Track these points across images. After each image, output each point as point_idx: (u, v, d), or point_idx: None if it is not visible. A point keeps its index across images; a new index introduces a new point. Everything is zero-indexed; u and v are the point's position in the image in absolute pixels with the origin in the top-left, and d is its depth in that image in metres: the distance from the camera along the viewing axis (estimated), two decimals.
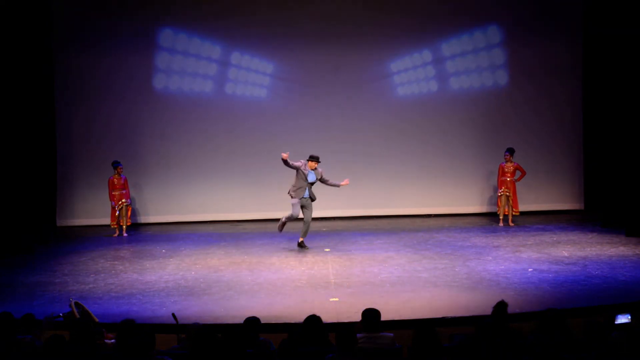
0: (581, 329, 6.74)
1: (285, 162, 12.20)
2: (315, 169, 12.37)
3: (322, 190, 16.05)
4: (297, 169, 12.33)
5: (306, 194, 12.36)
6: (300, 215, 12.59)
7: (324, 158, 15.59)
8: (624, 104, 15.27)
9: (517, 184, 14.84)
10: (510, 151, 14.76)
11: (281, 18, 15.85)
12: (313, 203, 12.53)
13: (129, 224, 14.75)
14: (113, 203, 14.53)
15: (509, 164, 14.76)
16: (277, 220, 15.77)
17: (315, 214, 15.60)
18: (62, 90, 15.63)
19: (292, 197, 12.43)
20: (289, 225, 15.32)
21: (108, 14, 15.62)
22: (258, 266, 11.38)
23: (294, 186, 12.42)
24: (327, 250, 12.52)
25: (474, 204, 16.29)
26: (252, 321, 6.52)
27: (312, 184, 12.39)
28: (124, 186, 14.66)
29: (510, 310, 6.90)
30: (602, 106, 15.77)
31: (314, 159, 12.34)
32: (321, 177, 12.46)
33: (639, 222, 13.16)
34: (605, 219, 14.52)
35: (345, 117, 16.06)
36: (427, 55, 16.19)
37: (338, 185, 12.68)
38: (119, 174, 14.55)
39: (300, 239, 12.62)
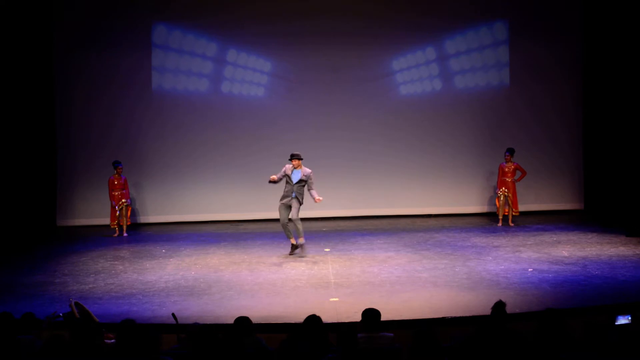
0: (581, 329, 6.75)
1: (274, 181, 11.79)
2: (300, 167, 11.84)
3: (322, 191, 16.10)
4: (284, 175, 11.89)
5: (293, 194, 11.86)
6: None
7: (324, 157, 15.66)
8: (624, 104, 15.29)
9: (517, 184, 14.84)
10: (511, 151, 14.75)
11: (279, 14, 15.76)
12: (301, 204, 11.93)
13: (129, 223, 14.75)
14: (113, 203, 14.53)
15: (509, 164, 14.75)
16: (277, 220, 15.84)
17: (316, 214, 15.70)
18: (62, 90, 15.63)
19: (280, 202, 11.93)
20: (291, 225, 15.37)
21: (107, 13, 15.63)
22: (258, 266, 11.38)
23: (283, 194, 11.97)
24: (327, 250, 12.51)
25: (474, 204, 16.29)
26: (243, 321, 6.52)
27: (297, 183, 11.84)
28: (124, 186, 14.66)
29: (510, 310, 6.90)
30: (602, 106, 15.77)
31: (294, 156, 11.86)
32: (308, 178, 11.83)
33: (639, 222, 13.16)
34: (605, 219, 14.53)
35: (345, 116, 16.04)
36: (429, 53, 16.17)
37: (314, 199, 11.86)
38: (119, 174, 14.55)
39: (292, 242, 12.02)
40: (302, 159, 11.93)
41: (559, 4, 16.22)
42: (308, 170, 11.93)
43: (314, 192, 11.91)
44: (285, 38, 15.85)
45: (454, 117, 16.23)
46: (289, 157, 11.97)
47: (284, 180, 12.01)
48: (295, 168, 11.91)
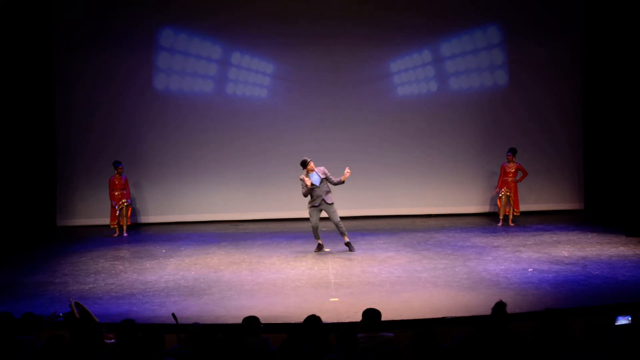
0: (581, 329, 6.74)
1: (306, 192, 12.08)
2: (313, 170, 12.07)
3: None
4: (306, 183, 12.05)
5: (322, 196, 12.08)
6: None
7: (324, 158, 15.66)
8: (624, 104, 15.29)
9: (518, 184, 14.82)
10: (513, 151, 14.73)
11: (281, 18, 15.86)
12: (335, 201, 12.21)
13: (129, 223, 14.76)
14: (114, 203, 14.53)
15: (511, 164, 14.73)
16: (277, 220, 15.92)
17: None
18: (62, 90, 15.63)
19: (308, 207, 12.22)
20: (291, 225, 15.40)
21: (107, 13, 15.64)
22: (258, 266, 11.38)
23: (310, 198, 12.19)
24: (327, 250, 12.51)
25: (474, 204, 16.29)
26: (251, 320, 6.52)
27: (321, 184, 12.04)
28: (125, 186, 14.66)
29: (510, 310, 6.89)
30: (602, 106, 15.77)
31: (306, 162, 12.06)
32: (325, 176, 12.14)
33: (639, 222, 13.16)
34: (605, 219, 14.52)
35: (345, 117, 16.06)
36: (427, 55, 16.20)
37: (342, 181, 12.22)
38: (120, 174, 14.56)
39: (345, 240, 12.30)
40: (310, 160, 12.13)
41: (558, 4, 16.21)
42: (321, 168, 12.19)
43: (338, 179, 12.18)
44: (286, 41, 15.88)
45: (454, 118, 16.23)
46: (302, 166, 12.12)
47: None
48: (310, 172, 12.06)
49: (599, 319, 7.39)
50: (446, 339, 6.54)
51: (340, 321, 8.07)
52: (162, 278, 10.67)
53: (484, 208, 16.21)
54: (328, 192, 12.22)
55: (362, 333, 6.44)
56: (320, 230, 14.47)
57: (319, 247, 12.37)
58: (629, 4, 14.93)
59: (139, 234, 14.89)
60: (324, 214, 12.33)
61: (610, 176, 15.52)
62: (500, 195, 14.82)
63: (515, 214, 14.79)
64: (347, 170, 12.18)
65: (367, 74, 16.10)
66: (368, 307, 6.74)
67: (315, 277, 10.52)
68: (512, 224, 14.67)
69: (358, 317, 6.80)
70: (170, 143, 15.96)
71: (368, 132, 16.08)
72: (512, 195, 14.71)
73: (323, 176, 12.15)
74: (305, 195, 12.20)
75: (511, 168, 14.74)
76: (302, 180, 12.09)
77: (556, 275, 10.23)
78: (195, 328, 6.39)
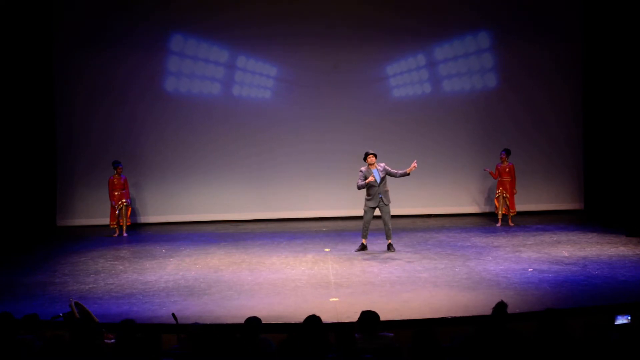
0: (581, 329, 6.74)
1: (362, 186, 11.90)
2: (374, 164, 11.91)
3: (321, 190, 16.07)
4: (365, 177, 11.90)
5: (380, 196, 11.92)
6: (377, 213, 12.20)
7: (325, 158, 15.72)
8: (624, 104, 15.29)
9: (516, 183, 14.81)
10: (507, 152, 14.73)
11: (283, 24, 15.94)
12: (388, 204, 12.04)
13: (128, 224, 14.75)
14: (113, 202, 14.53)
15: (504, 164, 14.74)
16: (277, 220, 15.91)
17: (315, 214, 15.76)
18: (62, 91, 15.64)
19: (366, 205, 12.05)
20: (291, 225, 15.40)
21: (107, 13, 15.68)
22: (258, 266, 11.38)
23: (367, 195, 12.04)
24: (327, 250, 12.52)
25: (474, 204, 16.29)
26: (253, 321, 6.52)
27: (381, 182, 11.89)
28: (124, 186, 14.66)
29: (510, 310, 6.89)
30: (602, 106, 15.77)
31: (368, 154, 11.93)
32: (387, 172, 11.97)
33: (639, 222, 13.16)
34: (605, 219, 14.52)
35: (344, 118, 16.07)
36: (421, 58, 16.23)
37: (408, 173, 12.05)
38: (119, 174, 14.56)
39: (388, 241, 12.22)
40: (374, 154, 11.99)
41: (558, 4, 16.21)
42: (382, 165, 12.02)
43: (403, 171, 12.03)
44: (288, 45, 15.94)
45: (454, 118, 16.23)
46: (364, 157, 12.01)
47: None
48: (370, 166, 11.93)
49: (599, 319, 7.39)
50: (446, 339, 6.54)
51: (340, 321, 8.08)
52: (162, 278, 10.67)
53: (484, 208, 16.22)
54: (387, 190, 12.06)
55: (359, 334, 6.43)
56: (320, 230, 14.53)
57: (362, 247, 12.23)
58: (629, 4, 14.92)
59: (139, 234, 14.89)
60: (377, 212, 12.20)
61: (610, 176, 15.52)
62: (497, 195, 14.83)
63: (512, 214, 14.78)
64: (414, 163, 12.06)
65: (366, 76, 16.10)
66: (368, 307, 6.73)
67: (315, 277, 10.51)
68: (512, 224, 14.67)
69: (358, 317, 6.79)
70: (170, 143, 15.97)
71: (368, 132, 16.04)
72: (507, 195, 14.71)
73: (383, 174, 11.97)
74: (360, 189, 12.06)
75: (504, 168, 14.74)
76: (362, 172, 11.93)
77: (556, 275, 10.23)
78: (195, 328, 6.39)
